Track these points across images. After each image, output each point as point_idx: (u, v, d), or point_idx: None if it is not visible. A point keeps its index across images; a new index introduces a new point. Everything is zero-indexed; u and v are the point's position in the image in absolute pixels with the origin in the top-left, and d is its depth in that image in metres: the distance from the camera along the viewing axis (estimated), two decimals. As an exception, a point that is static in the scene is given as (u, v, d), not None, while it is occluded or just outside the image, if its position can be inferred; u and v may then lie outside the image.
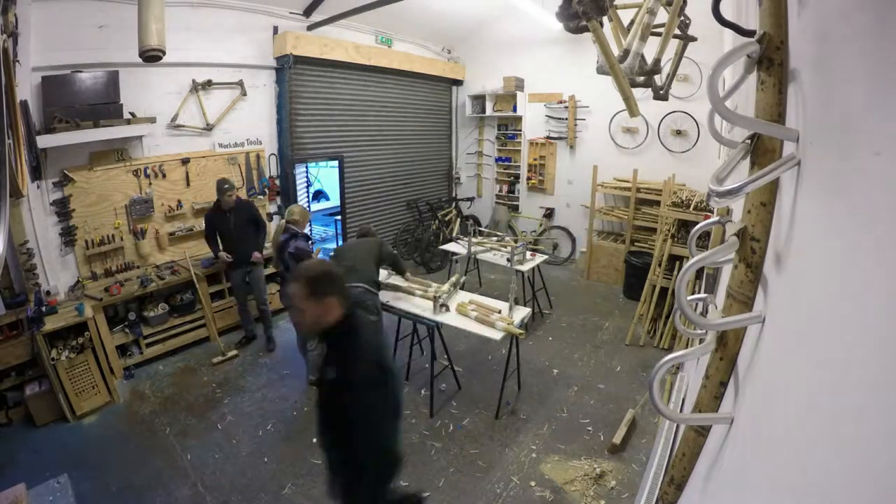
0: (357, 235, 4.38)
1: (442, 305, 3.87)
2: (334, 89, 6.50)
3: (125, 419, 3.92)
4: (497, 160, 8.52)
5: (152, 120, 4.73)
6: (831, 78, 0.67)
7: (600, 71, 2.56)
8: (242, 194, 5.72)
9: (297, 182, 6.35)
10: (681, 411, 2.26)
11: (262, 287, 5.00)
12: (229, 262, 4.80)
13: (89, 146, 4.40)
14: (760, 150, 0.94)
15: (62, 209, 4.30)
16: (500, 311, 3.83)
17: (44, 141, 3.94)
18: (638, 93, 2.57)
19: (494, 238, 6.07)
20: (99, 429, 3.79)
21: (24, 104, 3.72)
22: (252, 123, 5.74)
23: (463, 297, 4.15)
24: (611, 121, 6.91)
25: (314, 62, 6.00)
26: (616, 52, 2.41)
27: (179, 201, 5.13)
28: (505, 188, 8.53)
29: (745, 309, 1.01)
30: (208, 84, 5.22)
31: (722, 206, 1.23)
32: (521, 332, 3.64)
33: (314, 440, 2.66)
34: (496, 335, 3.53)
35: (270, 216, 6.14)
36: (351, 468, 1.82)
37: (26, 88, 3.86)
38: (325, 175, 10.11)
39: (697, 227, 1.36)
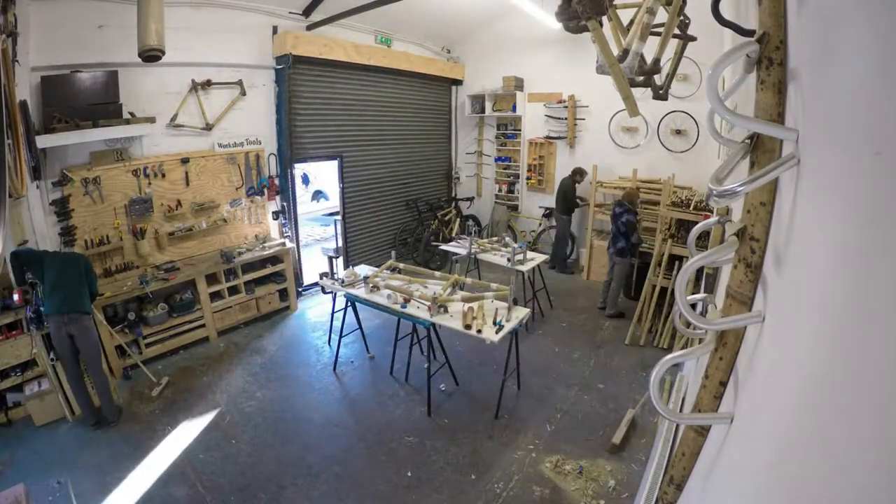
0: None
1: (440, 307, 3.86)
2: (334, 89, 6.51)
3: (124, 419, 3.91)
4: (497, 160, 8.52)
5: (152, 120, 4.73)
6: (831, 78, 0.67)
7: (600, 71, 2.56)
8: (241, 194, 5.73)
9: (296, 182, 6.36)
10: (681, 411, 2.26)
11: None
12: None
13: (89, 146, 4.41)
14: (760, 150, 0.94)
15: (62, 209, 4.30)
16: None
17: (43, 141, 3.93)
18: (637, 92, 2.57)
19: (494, 238, 6.08)
20: (98, 429, 3.78)
21: (24, 104, 3.72)
22: (251, 123, 5.74)
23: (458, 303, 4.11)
24: (610, 120, 6.91)
25: (313, 62, 6.00)
26: (616, 51, 2.40)
27: (179, 201, 5.13)
28: (504, 188, 8.54)
29: (745, 309, 1.01)
30: (208, 84, 5.21)
31: (721, 205, 1.22)
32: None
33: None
34: (493, 337, 3.52)
35: (276, 214, 6.17)
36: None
37: (26, 88, 3.86)
38: (325, 174, 10.11)
39: (697, 226, 1.36)
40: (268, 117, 5.94)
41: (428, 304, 3.86)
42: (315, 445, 3.61)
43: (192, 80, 5.10)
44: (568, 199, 6.94)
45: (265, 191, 5.95)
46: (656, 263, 5.26)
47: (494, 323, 3.65)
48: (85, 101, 4.21)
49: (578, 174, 6.88)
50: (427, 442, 3.62)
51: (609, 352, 4.98)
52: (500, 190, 8.60)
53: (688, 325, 1.52)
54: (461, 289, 4.34)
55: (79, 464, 3.36)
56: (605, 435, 3.65)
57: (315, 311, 6.12)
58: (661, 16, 2.42)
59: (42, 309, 3.69)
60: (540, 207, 8.05)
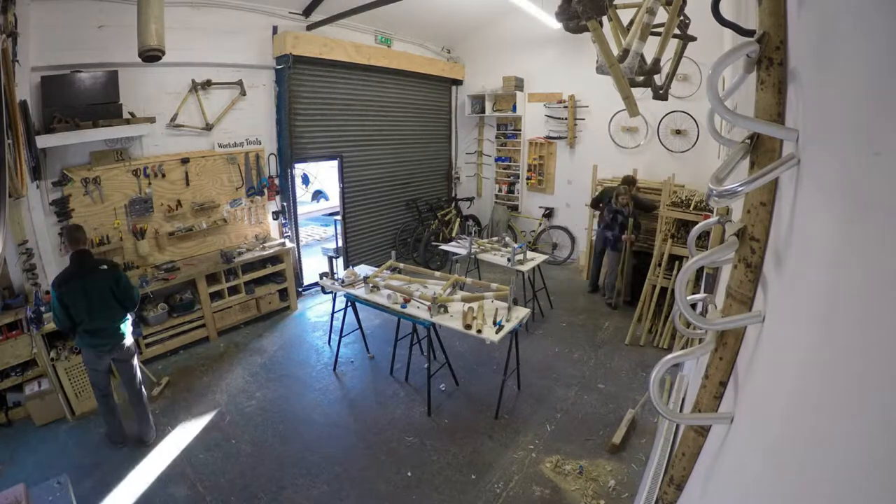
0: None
1: (440, 307, 3.86)
2: (334, 89, 6.51)
3: (124, 419, 3.91)
4: (497, 160, 8.53)
5: (152, 120, 4.73)
6: (831, 78, 0.67)
7: (600, 71, 2.56)
8: (241, 194, 5.74)
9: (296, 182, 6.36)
10: (681, 411, 2.26)
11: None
12: None
13: (89, 146, 4.41)
14: (760, 150, 0.94)
15: (62, 209, 4.30)
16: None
17: (43, 141, 3.93)
18: (637, 92, 2.57)
19: (494, 239, 6.09)
20: (98, 429, 3.78)
21: (24, 104, 3.72)
22: (251, 123, 5.74)
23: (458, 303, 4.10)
24: (610, 120, 6.92)
25: (314, 62, 6.00)
26: (616, 51, 2.41)
27: (179, 201, 5.13)
28: (505, 188, 8.54)
29: (745, 309, 1.01)
30: (208, 84, 5.21)
31: (721, 205, 1.22)
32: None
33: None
34: (493, 337, 3.52)
35: (276, 214, 6.17)
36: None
37: (26, 88, 3.86)
38: (325, 174, 10.12)
39: (697, 226, 1.36)
40: (268, 117, 5.94)
41: (428, 304, 3.86)
42: (315, 445, 3.61)
43: (192, 80, 5.10)
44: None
45: (265, 191, 5.95)
46: (656, 263, 5.26)
47: (494, 323, 3.66)
48: (85, 101, 4.21)
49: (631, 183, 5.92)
50: (427, 442, 3.62)
51: (609, 352, 4.98)
52: (500, 190, 8.61)
53: (688, 325, 1.52)
54: (461, 289, 4.34)
55: (79, 464, 3.37)
56: (605, 435, 3.65)
57: (315, 311, 6.12)
58: (662, 16, 2.43)
59: (75, 341, 3.38)
60: (540, 207, 8.06)
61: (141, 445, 3.58)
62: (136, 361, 3.56)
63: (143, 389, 3.65)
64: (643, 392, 4.09)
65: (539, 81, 7.69)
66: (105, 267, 3.33)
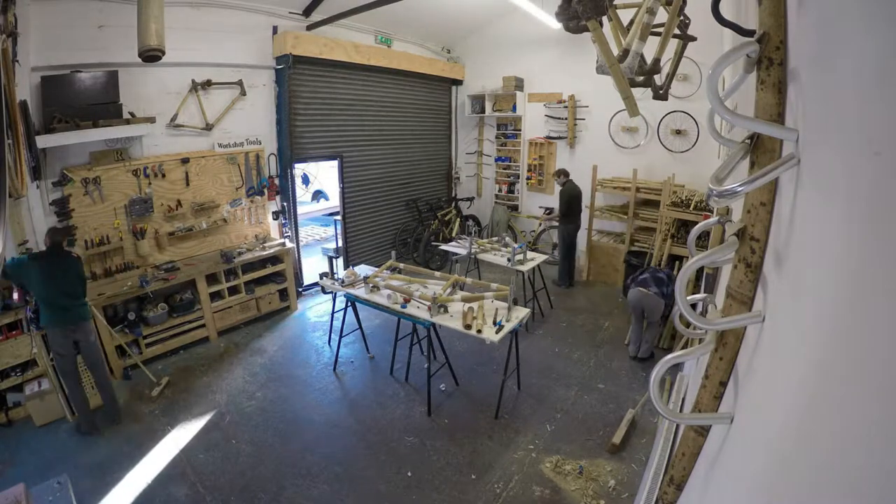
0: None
1: (440, 307, 3.86)
2: (334, 89, 6.51)
3: (124, 419, 3.91)
4: (497, 160, 8.53)
5: (152, 120, 4.73)
6: (831, 78, 0.67)
7: (600, 71, 2.56)
8: (241, 194, 5.74)
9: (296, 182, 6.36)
10: (681, 411, 2.26)
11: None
12: None
13: (89, 146, 4.41)
14: (760, 150, 0.94)
15: (62, 209, 4.30)
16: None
17: (43, 141, 3.93)
18: (637, 92, 2.57)
19: (494, 239, 6.09)
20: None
21: (24, 104, 3.72)
22: (251, 123, 5.74)
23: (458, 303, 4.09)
24: (610, 120, 6.92)
25: (314, 62, 6.00)
26: (616, 51, 2.41)
27: (179, 201, 5.13)
28: (504, 188, 8.54)
29: (745, 309, 1.01)
30: (208, 84, 5.21)
31: (721, 205, 1.22)
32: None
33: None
34: (493, 337, 3.51)
35: (276, 214, 6.18)
36: None
37: (26, 88, 3.86)
38: (325, 174, 10.12)
39: (697, 227, 1.36)
40: (268, 117, 5.94)
41: (428, 304, 3.86)
42: (315, 445, 3.61)
43: (192, 80, 5.10)
44: (576, 206, 6.38)
45: (265, 191, 5.94)
46: (656, 263, 5.26)
47: (494, 323, 3.66)
48: (85, 101, 4.21)
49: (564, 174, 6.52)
50: (427, 442, 3.62)
51: (609, 352, 4.98)
52: (500, 190, 8.61)
53: (688, 325, 1.52)
54: (461, 289, 4.34)
55: (79, 464, 3.36)
56: (605, 435, 3.65)
57: (315, 311, 6.12)
58: (662, 16, 2.42)
59: (39, 321, 3.63)
60: (540, 207, 8.05)
61: (112, 425, 3.78)
62: (95, 341, 3.80)
63: (106, 369, 3.90)
64: (643, 392, 4.09)
65: (539, 81, 7.69)
66: (74, 255, 3.73)
